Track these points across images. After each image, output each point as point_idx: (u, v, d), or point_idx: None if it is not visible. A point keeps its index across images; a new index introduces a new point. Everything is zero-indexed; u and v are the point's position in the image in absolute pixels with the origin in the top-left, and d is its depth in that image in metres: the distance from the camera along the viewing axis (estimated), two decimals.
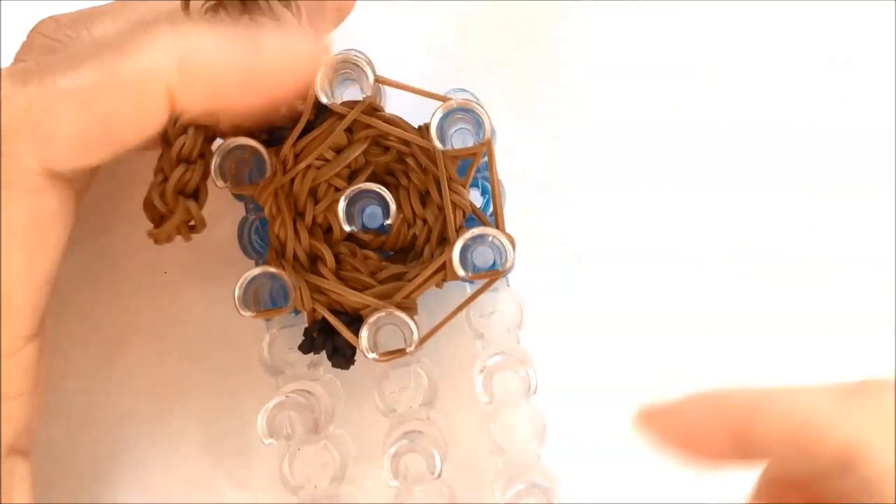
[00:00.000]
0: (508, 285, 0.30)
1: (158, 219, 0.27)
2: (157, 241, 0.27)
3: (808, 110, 0.32)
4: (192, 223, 0.28)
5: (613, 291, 0.32)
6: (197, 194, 0.27)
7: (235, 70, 0.23)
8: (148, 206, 0.27)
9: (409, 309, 0.28)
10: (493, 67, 0.32)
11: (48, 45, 0.25)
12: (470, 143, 0.28)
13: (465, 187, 0.28)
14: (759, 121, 0.32)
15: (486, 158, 0.28)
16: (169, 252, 0.30)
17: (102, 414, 0.31)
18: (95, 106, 0.22)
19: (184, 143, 0.25)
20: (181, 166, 0.25)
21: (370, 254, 0.28)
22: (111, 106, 0.22)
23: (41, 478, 0.29)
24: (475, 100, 0.29)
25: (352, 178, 0.28)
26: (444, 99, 0.27)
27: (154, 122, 0.23)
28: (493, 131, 0.28)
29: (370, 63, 0.27)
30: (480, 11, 0.33)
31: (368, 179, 0.28)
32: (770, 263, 0.32)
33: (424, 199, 0.28)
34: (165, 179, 0.25)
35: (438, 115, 0.27)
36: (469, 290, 0.29)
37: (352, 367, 0.29)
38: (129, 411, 0.31)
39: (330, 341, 0.28)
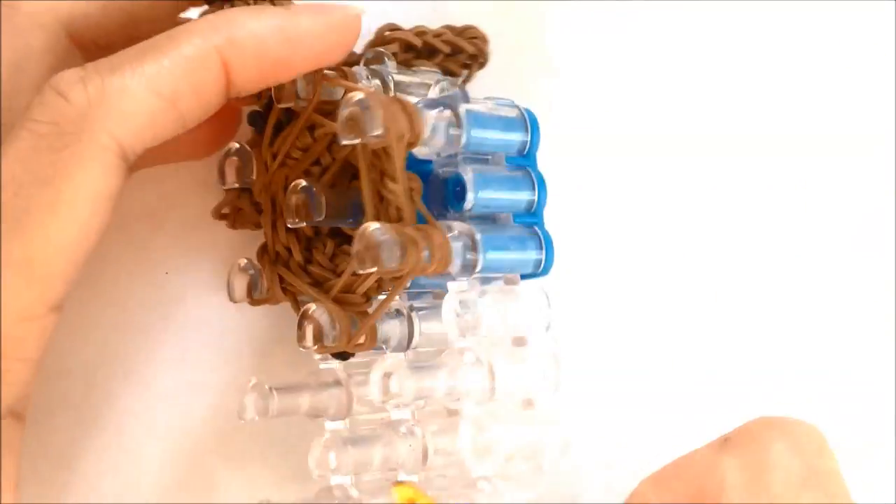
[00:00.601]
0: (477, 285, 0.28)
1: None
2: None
3: (808, 110, 0.33)
4: None
5: (609, 294, 0.32)
6: None
7: (279, 39, 0.25)
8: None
9: (352, 304, 0.28)
10: (492, 67, 0.32)
11: None
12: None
13: (395, 181, 0.26)
14: (759, 120, 0.32)
15: None
16: (170, 252, 0.32)
17: (102, 412, 0.32)
18: (162, 88, 0.24)
19: None
20: None
21: (347, 248, 0.29)
22: (175, 86, 0.24)
23: (40, 476, 0.31)
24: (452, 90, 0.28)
25: (324, 174, 0.29)
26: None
27: (214, 97, 0.25)
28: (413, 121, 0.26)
29: None
30: (480, 11, 0.32)
31: (346, 175, 0.29)
32: (769, 264, 0.32)
33: None
34: None
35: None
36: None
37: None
38: (128, 409, 0.32)
39: None
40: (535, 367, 0.28)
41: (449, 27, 0.31)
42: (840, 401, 0.32)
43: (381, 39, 0.30)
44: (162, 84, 0.24)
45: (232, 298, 0.30)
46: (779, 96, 0.33)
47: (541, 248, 0.29)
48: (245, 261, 0.30)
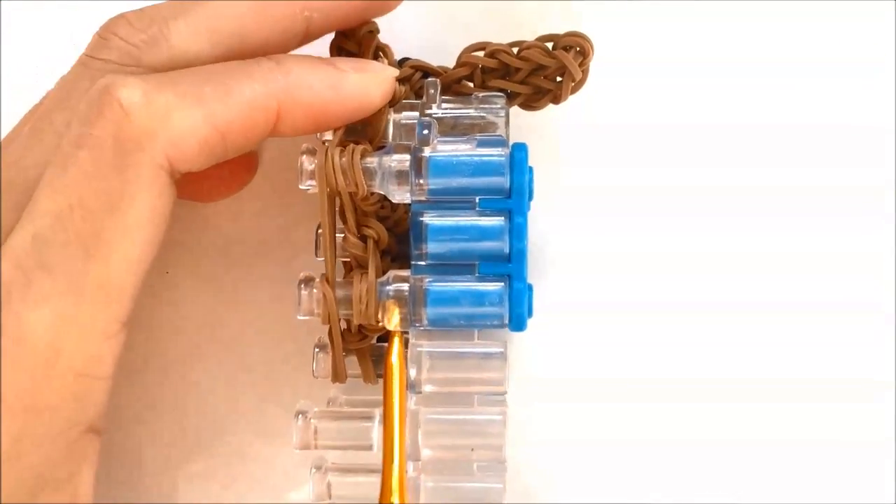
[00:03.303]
0: None
1: None
2: None
3: (806, 110, 0.33)
4: None
5: (608, 299, 0.32)
6: None
7: (330, 94, 0.27)
8: None
9: (350, 342, 0.29)
10: None
11: (125, 48, 0.26)
12: None
13: (349, 230, 0.28)
14: (758, 120, 0.33)
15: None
16: (171, 252, 0.32)
17: None
18: (219, 121, 0.25)
19: None
20: None
21: None
22: (231, 122, 0.25)
23: None
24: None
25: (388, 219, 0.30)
26: None
27: (261, 134, 0.26)
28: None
29: None
30: (480, 11, 0.33)
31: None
32: (768, 264, 0.32)
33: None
34: None
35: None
36: None
37: None
38: (126, 409, 0.32)
39: None
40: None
41: (549, 37, 0.29)
42: (840, 401, 0.32)
43: (458, 63, 0.30)
44: (220, 118, 0.25)
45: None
46: (777, 95, 0.33)
47: (504, 303, 0.27)
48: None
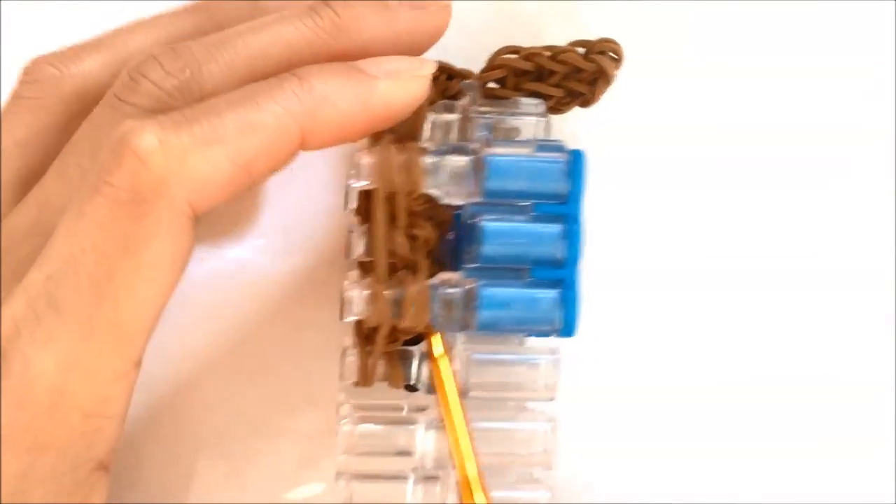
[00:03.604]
0: None
1: None
2: None
3: (808, 110, 0.33)
4: None
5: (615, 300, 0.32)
6: None
7: (358, 109, 0.25)
8: None
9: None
10: None
11: (156, 94, 0.25)
12: None
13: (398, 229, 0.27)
14: (761, 120, 0.33)
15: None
16: None
17: None
18: (240, 154, 0.24)
19: None
20: None
21: None
22: (253, 152, 0.24)
23: None
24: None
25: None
26: None
27: (286, 160, 0.25)
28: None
29: None
30: (481, 11, 0.32)
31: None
32: (769, 265, 0.32)
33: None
34: None
35: None
36: None
37: None
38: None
39: None
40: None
41: (581, 42, 0.29)
42: (840, 401, 0.32)
43: (490, 66, 0.29)
44: (242, 155, 0.24)
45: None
46: (777, 95, 0.33)
47: (556, 309, 0.27)
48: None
